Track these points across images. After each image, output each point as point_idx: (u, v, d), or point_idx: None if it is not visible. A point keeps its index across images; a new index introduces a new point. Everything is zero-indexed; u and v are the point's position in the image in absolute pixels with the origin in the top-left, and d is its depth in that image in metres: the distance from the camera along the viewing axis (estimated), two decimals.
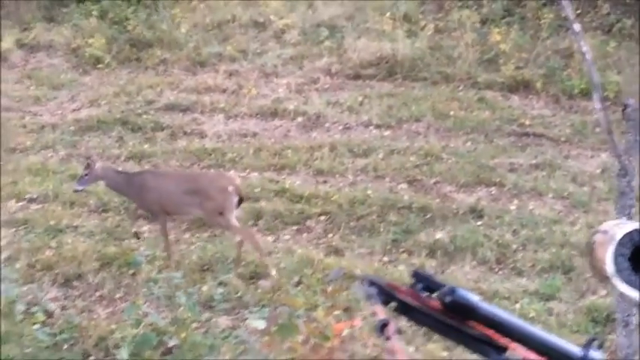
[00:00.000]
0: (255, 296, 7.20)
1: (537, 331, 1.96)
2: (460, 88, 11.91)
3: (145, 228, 8.69)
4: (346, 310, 5.92)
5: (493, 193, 9.30)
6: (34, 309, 6.02)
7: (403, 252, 8.24)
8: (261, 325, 4.65)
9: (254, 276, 7.69)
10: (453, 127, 10.87)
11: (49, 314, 6.84)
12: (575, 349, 1.89)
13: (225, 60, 13.16)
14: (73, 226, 8.64)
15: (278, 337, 4.50)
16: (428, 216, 8.76)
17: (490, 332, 1.95)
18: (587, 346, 1.88)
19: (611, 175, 9.05)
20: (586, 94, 11.08)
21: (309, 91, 12.13)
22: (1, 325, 5.55)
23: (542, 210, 8.89)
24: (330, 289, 5.70)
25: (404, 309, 2.02)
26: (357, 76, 12.52)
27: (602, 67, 10.76)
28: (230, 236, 8.27)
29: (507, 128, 10.80)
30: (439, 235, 8.41)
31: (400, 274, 7.58)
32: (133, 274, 7.67)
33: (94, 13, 13.89)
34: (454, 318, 1.96)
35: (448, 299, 1.94)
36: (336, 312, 5.20)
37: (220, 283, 7.36)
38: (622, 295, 2.06)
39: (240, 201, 8.07)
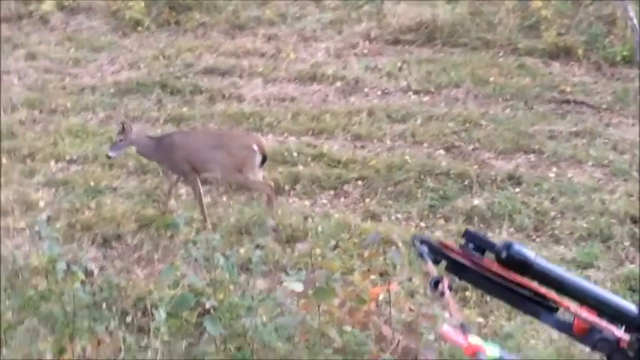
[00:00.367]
0: (292, 259, 7.22)
1: (593, 287, 1.94)
2: (500, 54, 11.80)
3: (183, 191, 8.74)
4: (382, 274, 5.95)
5: (532, 160, 9.23)
6: (74, 268, 6.10)
7: (440, 218, 8.21)
8: (298, 287, 4.68)
9: (290, 239, 7.71)
10: (492, 94, 10.78)
11: (89, 274, 6.93)
12: (632, 307, 1.88)
13: (264, 24, 13.15)
14: (112, 188, 8.71)
15: (315, 300, 4.53)
16: (465, 182, 8.72)
17: (543, 291, 1.94)
18: None
19: None
20: (628, 61, 10.95)
21: (347, 55, 12.08)
22: (44, 282, 5.64)
23: (582, 178, 8.82)
24: (366, 253, 5.74)
25: (455, 268, 2.01)
26: (396, 42, 12.44)
27: None
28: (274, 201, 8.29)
29: (547, 95, 10.70)
30: (476, 201, 8.37)
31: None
32: (171, 236, 7.73)
33: None
34: (507, 276, 1.95)
35: (504, 254, 1.93)
36: (372, 276, 5.24)
37: (257, 246, 7.40)
38: None
39: (264, 160, 8.06)
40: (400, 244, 4.83)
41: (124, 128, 8.12)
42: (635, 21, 6.35)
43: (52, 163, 9.28)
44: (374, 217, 8.21)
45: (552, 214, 8.18)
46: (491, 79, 11.05)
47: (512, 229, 7.93)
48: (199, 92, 11.12)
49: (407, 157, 9.14)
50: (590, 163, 9.10)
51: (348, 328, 4.95)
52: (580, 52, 11.50)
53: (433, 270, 1.99)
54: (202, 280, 5.61)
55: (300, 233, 7.76)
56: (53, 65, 12.25)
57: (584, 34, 11.76)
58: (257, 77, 11.51)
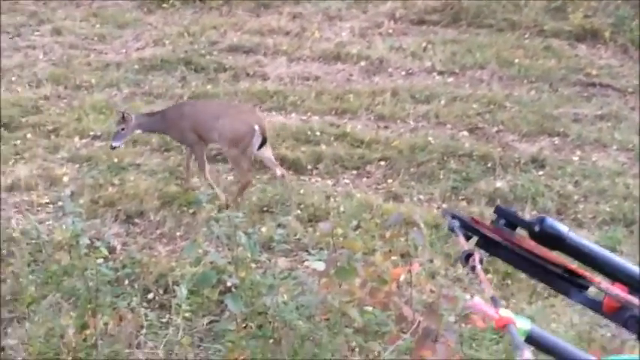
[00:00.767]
0: (314, 239, 7.23)
1: (626, 263, 1.93)
2: (526, 35, 11.74)
3: (207, 168, 8.76)
4: (404, 255, 5.98)
5: (556, 143, 9.19)
6: (97, 244, 6.14)
7: (462, 200, 8.19)
8: (320, 267, 4.70)
9: (312, 219, 7.72)
10: (517, 76, 10.73)
11: (112, 250, 6.97)
12: None
13: (289, 2, 13.12)
14: (135, 164, 8.73)
15: (336, 280, 4.54)
16: (489, 164, 8.69)
17: (573, 267, 1.93)
18: None
19: None
20: None
21: (372, 35, 12.05)
22: (67, 258, 5.69)
23: (606, 161, 8.77)
24: (388, 234, 5.74)
25: (486, 244, 2.01)
26: (421, 22, 12.40)
27: None
28: (289, 178, 8.30)
29: (573, 78, 10.64)
30: (499, 183, 8.35)
31: None
32: (194, 213, 7.75)
33: None
34: (538, 252, 1.94)
35: (537, 228, 1.93)
36: (394, 257, 5.24)
37: (279, 225, 7.42)
38: None
39: (263, 142, 8.01)
40: (422, 226, 4.82)
41: (124, 117, 8.07)
42: None
43: (76, 138, 9.31)
44: (396, 197, 8.20)
45: (575, 197, 8.15)
46: (517, 60, 11.00)
47: (534, 212, 7.89)
48: (223, 70, 11.12)
49: (430, 138, 9.11)
50: (614, 147, 9.05)
51: (368, 309, 4.97)
52: (607, 34, 11.42)
53: (464, 244, 1.99)
54: (224, 257, 5.64)
55: (322, 213, 7.76)
56: (78, 41, 12.28)
57: (611, 17, 11.68)
58: (281, 56, 11.50)
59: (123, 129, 8.10)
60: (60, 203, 7.69)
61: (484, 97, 10.13)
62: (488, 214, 7.78)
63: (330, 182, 8.51)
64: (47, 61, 11.63)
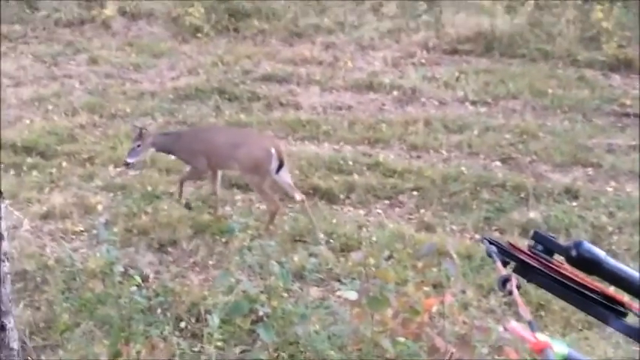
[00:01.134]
0: (346, 268, 7.22)
1: None
2: (559, 65, 11.73)
3: (239, 197, 8.79)
4: (436, 286, 5.96)
5: (590, 173, 9.14)
6: (130, 272, 6.18)
7: (496, 230, 8.15)
8: (352, 296, 4.69)
9: (345, 248, 7.71)
10: (550, 106, 10.72)
11: (145, 278, 7.00)
12: None
13: (322, 32, 13.22)
14: (168, 193, 8.78)
15: (368, 310, 4.54)
16: (522, 195, 8.65)
17: (612, 293, 1.92)
18: None
19: None
20: None
21: (405, 65, 12.10)
22: (101, 286, 5.73)
23: None
24: (420, 264, 5.72)
25: (523, 269, 2.00)
26: (454, 51, 12.44)
27: None
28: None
29: (607, 108, 10.60)
30: (533, 214, 8.29)
31: None
32: (226, 242, 7.76)
33: None
34: (576, 278, 1.93)
35: (574, 252, 1.91)
36: (426, 287, 5.23)
37: (311, 254, 7.41)
38: None
39: (280, 166, 8.02)
40: (455, 256, 4.80)
41: (141, 134, 8.12)
42: None
43: (111, 167, 9.39)
44: (428, 227, 8.17)
45: (610, 228, 8.07)
46: (550, 90, 10.98)
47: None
48: (257, 99, 11.20)
49: (463, 168, 9.10)
50: None
51: (401, 339, 4.95)
52: None
53: (501, 270, 1.98)
54: (256, 287, 5.64)
55: (354, 242, 7.75)
56: (114, 70, 12.44)
57: None
58: (314, 85, 11.57)
59: (139, 145, 8.13)
60: (94, 231, 7.76)
61: (517, 127, 10.11)
62: (521, 245, 7.73)
63: (362, 212, 8.50)
64: (83, 90, 11.78)
